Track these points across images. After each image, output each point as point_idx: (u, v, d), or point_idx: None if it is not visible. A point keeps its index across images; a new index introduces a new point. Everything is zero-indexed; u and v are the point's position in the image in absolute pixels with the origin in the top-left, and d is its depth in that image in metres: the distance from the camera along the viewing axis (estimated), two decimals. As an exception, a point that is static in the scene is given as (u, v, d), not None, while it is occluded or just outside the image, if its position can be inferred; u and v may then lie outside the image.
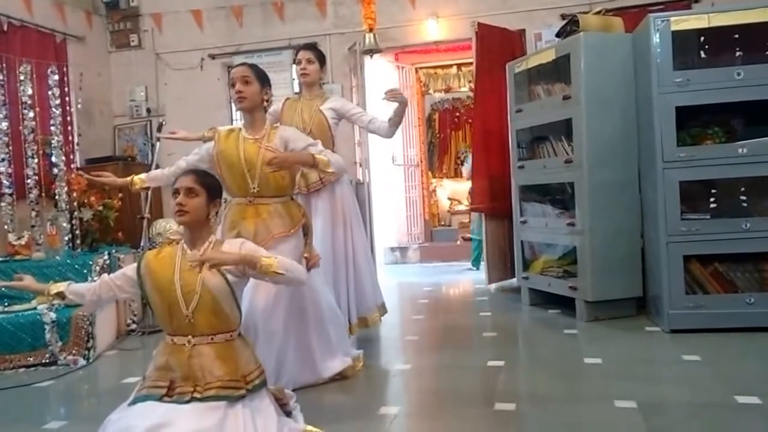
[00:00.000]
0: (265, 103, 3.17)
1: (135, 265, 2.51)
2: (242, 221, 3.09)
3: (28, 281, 2.62)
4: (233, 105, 3.52)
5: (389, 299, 4.45)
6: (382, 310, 4.23)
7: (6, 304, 4.26)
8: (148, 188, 3.49)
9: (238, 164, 3.08)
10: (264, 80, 3.16)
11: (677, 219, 3.86)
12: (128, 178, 3.38)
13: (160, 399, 2.26)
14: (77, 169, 5.48)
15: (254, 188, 3.09)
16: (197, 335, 2.36)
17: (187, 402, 2.24)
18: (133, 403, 2.29)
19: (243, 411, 2.28)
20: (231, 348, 2.40)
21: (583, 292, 4.32)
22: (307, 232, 3.27)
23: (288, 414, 2.59)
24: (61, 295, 2.55)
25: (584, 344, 3.93)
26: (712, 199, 4.03)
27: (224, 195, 2.75)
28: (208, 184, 2.47)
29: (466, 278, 6.74)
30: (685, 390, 2.97)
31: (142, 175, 3.38)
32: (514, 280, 5.45)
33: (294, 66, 4.04)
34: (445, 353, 3.98)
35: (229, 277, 2.39)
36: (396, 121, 3.84)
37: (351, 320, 3.91)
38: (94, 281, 2.67)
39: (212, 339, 2.37)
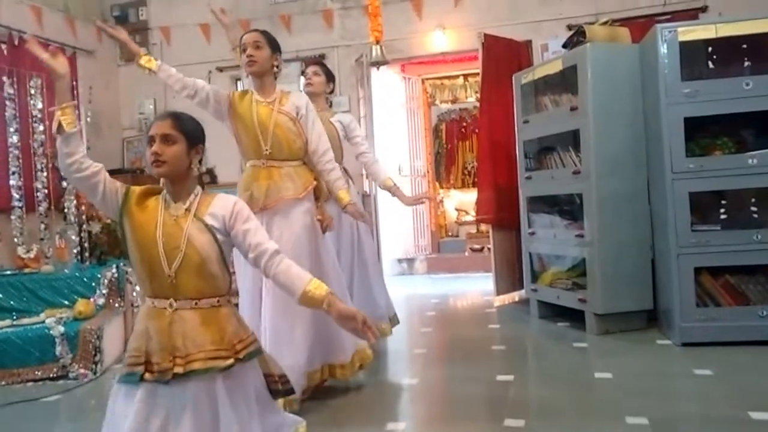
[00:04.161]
0: (275, 69, 3.22)
1: (123, 191, 2.16)
2: (255, 182, 3.12)
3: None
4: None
5: (397, 311, 4.42)
6: (395, 320, 4.23)
7: (15, 317, 4.27)
8: (151, 70, 3.20)
9: (252, 126, 3.12)
10: (275, 47, 3.21)
11: (687, 230, 3.83)
12: (141, 50, 3.18)
13: (141, 378, 2.02)
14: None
15: (267, 150, 3.12)
16: (180, 298, 2.09)
17: (170, 380, 2.01)
18: (119, 381, 2.10)
19: (218, 391, 2.04)
20: (218, 314, 2.12)
21: (592, 304, 4.28)
22: (318, 195, 3.28)
23: (274, 394, 2.26)
24: (61, 129, 2.06)
25: (594, 358, 3.89)
26: (722, 210, 3.99)
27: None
28: (187, 130, 2.18)
29: (473, 290, 6.70)
30: (698, 405, 2.93)
31: (158, 61, 3.19)
32: (522, 291, 5.43)
33: (302, 78, 4.09)
34: (454, 367, 3.95)
35: (218, 236, 2.13)
36: (386, 190, 4.17)
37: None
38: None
39: (196, 303, 2.10)
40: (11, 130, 5.03)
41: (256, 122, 3.11)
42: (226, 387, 2.06)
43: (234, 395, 2.08)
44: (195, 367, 2.01)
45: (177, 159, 2.12)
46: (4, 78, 5.22)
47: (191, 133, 2.19)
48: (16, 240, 4.89)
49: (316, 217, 3.21)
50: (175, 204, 2.15)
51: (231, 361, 2.05)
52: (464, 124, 9.84)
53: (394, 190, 4.11)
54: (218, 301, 2.14)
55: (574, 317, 4.55)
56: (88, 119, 6.24)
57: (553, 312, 4.86)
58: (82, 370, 3.96)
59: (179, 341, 2.04)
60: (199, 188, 2.21)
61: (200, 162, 2.22)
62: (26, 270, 4.68)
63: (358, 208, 3.40)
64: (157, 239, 2.08)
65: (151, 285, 2.11)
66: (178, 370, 2.01)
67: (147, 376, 2.02)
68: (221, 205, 2.17)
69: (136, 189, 2.18)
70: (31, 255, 4.76)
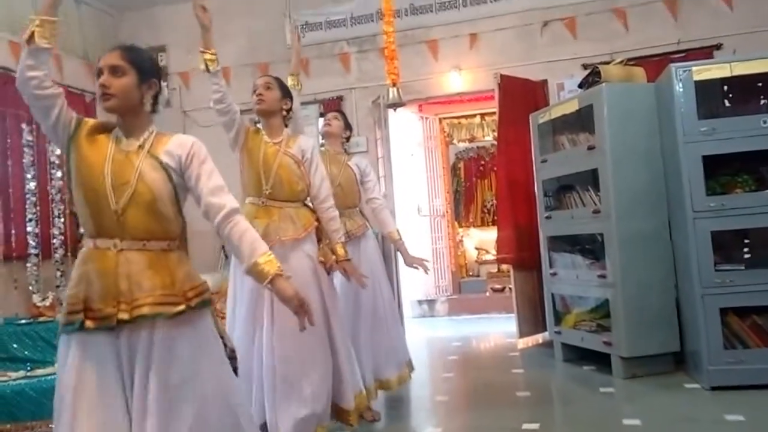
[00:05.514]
0: (284, 113, 3.25)
1: (76, 121, 2.01)
2: (254, 220, 3.05)
3: None
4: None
5: (418, 355, 4.35)
6: (410, 366, 4.16)
7: (29, 368, 4.21)
8: (207, 68, 3.03)
9: (256, 164, 3.13)
10: (286, 92, 3.27)
11: (711, 270, 3.72)
12: (212, 47, 2.99)
13: (80, 327, 1.86)
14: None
15: (267, 189, 3.11)
16: (126, 238, 1.92)
17: (116, 326, 1.86)
18: (61, 332, 1.93)
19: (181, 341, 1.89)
20: (167, 258, 1.96)
21: (617, 347, 4.16)
22: (320, 237, 3.23)
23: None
24: (32, 40, 1.91)
25: (622, 404, 3.77)
26: (745, 249, 3.90)
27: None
28: (138, 61, 2.01)
29: (496, 331, 6.57)
30: (730, 455, 2.81)
31: (218, 67, 3.06)
32: (546, 333, 5.31)
33: (320, 120, 4.13)
34: (478, 415, 3.83)
35: (173, 175, 1.99)
36: (390, 241, 4.24)
37: (386, 377, 3.86)
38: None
39: (144, 245, 1.93)
40: (29, 176, 5.07)
41: (261, 160, 3.13)
42: (185, 337, 1.92)
43: (191, 347, 1.93)
44: (142, 312, 1.85)
45: (125, 92, 1.98)
46: (23, 125, 5.28)
47: (142, 66, 2.03)
48: (31, 288, 4.88)
49: (319, 258, 3.16)
50: (127, 140, 2.01)
51: (182, 307, 1.90)
52: (482, 162, 9.83)
53: (398, 245, 4.11)
54: (168, 245, 1.98)
55: (600, 360, 4.42)
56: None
57: (578, 355, 4.73)
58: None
59: (124, 285, 1.88)
60: (154, 126, 2.07)
61: (155, 98, 2.06)
62: (41, 318, 4.65)
63: (351, 268, 3.25)
64: (104, 175, 1.93)
65: (95, 223, 1.94)
66: (123, 315, 1.85)
67: (88, 323, 1.86)
68: (178, 144, 2.04)
69: (89, 121, 2.04)
70: (47, 303, 4.75)
